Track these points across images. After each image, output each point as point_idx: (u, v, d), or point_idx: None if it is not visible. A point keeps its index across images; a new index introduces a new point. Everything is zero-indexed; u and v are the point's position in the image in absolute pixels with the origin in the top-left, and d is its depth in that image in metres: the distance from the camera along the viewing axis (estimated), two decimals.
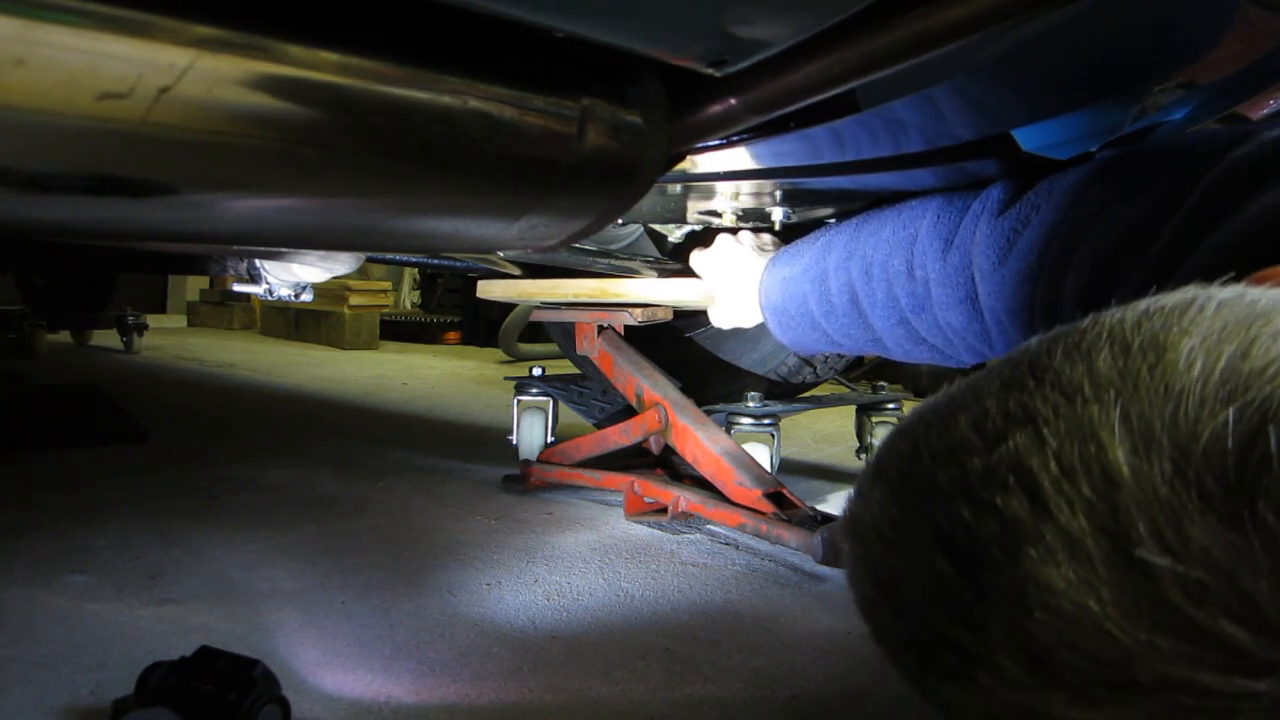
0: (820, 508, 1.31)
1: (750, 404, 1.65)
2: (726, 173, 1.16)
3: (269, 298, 1.75)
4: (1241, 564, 0.35)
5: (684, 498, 1.41)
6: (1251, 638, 0.34)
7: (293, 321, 4.94)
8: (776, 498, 1.32)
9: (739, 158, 1.07)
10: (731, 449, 1.42)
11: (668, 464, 1.60)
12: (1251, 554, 0.34)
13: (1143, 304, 0.44)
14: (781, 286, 1.22)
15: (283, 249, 1.52)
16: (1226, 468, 0.36)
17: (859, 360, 3.31)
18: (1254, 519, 0.35)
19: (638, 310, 1.57)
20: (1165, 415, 0.38)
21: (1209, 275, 0.46)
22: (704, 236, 1.69)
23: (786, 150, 1.04)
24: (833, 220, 1.67)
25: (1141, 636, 0.36)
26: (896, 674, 0.49)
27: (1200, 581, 0.35)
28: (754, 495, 1.33)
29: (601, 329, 1.61)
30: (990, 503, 0.40)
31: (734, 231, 1.38)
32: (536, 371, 1.81)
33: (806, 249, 1.21)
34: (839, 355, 1.84)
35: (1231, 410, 0.37)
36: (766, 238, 1.36)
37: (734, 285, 1.32)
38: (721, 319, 1.37)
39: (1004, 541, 0.39)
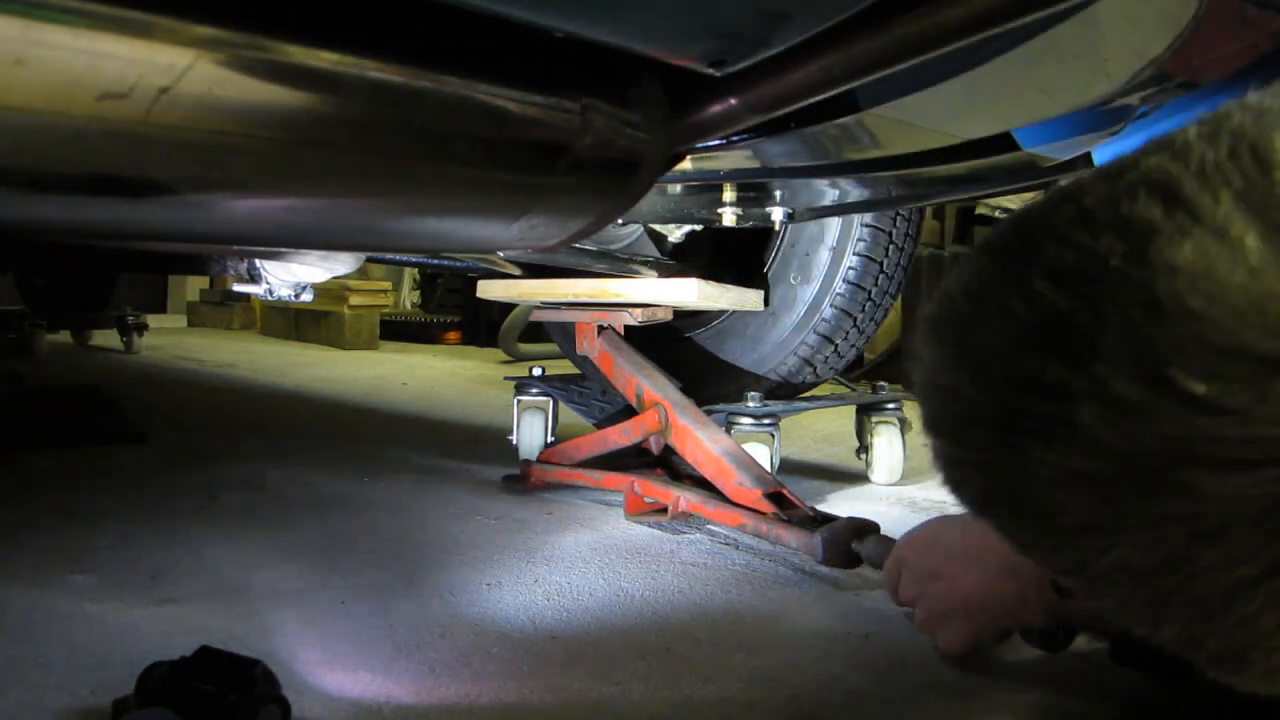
0: (820, 508, 1.31)
1: (750, 404, 1.65)
2: (726, 172, 1.16)
3: (269, 298, 1.75)
4: None
5: (684, 498, 1.41)
6: None
7: (293, 321, 4.94)
8: (777, 498, 1.32)
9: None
10: (732, 449, 1.42)
11: (668, 464, 1.60)
12: None
13: None
14: None
15: (283, 249, 1.52)
16: None
17: (859, 360, 3.31)
18: None
19: (637, 310, 1.57)
20: None
21: None
22: (710, 241, 1.69)
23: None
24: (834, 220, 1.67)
25: None
26: (968, 480, 0.45)
27: None
28: (754, 495, 1.33)
29: (601, 329, 1.61)
30: (1113, 218, 0.38)
31: (738, 237, 1.36)
32: (536, 371, 1.81)
33: None
34: (839, 355, 1.84)
35: None
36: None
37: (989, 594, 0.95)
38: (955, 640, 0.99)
39: (1128, 246, 0.37)
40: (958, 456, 0.45)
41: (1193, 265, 0.36)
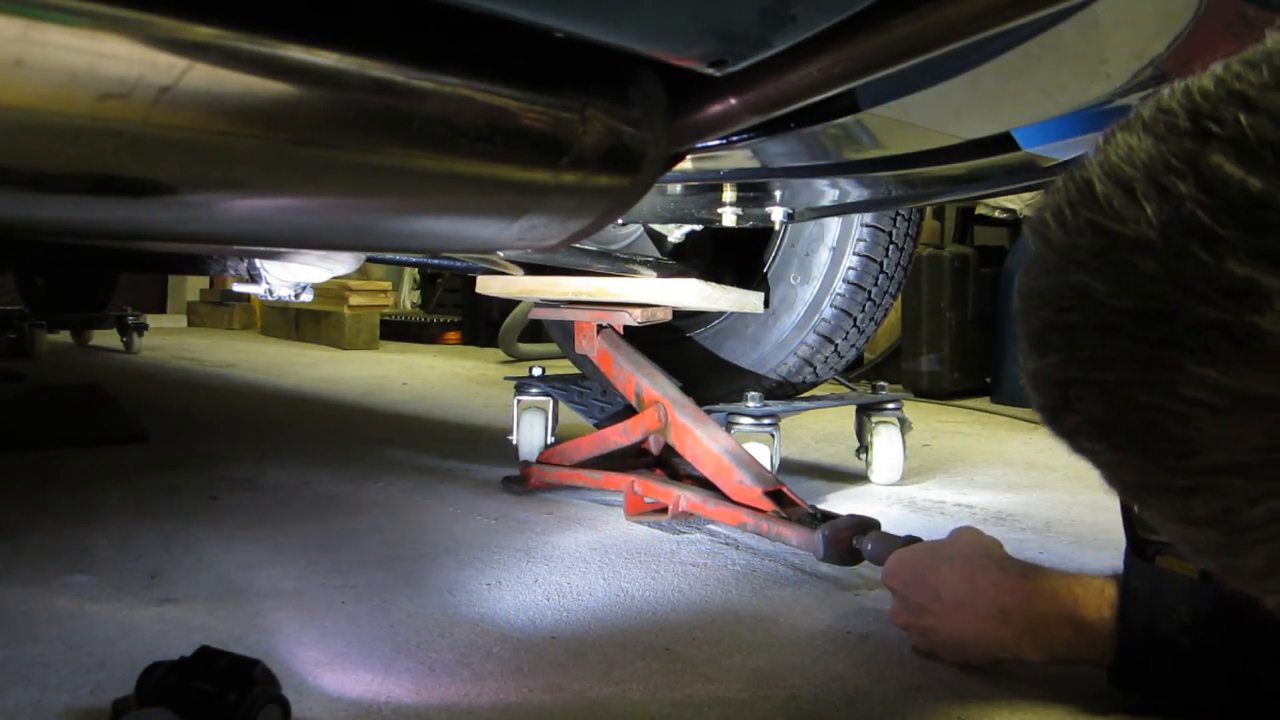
0: (820, 507, 1.31)
1: (750, 404, 1.65)
2: (726, 172, 1.16)
3: (269, 298, 1.75)
4: None
5: (684, 497, 1.41)
6: None
7: (293, 321, 4.94)
8: (777, 496, 1.32)
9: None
10: (732, 447, 1.42)
11: (667, 465, 1.60)
12: None
13: None
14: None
15: (283, 249, 1.52)
16: None
17: (859, 360, 3.31)
18: None
19: (637, 310, 1.57)
20: None
21: None
22: (711, 242, 1.69)
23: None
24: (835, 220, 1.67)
25: None
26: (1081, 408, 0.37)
27: None
28: (755, 493, 1.33)
29: (600, 328, 1.61)
30: None
31: (741, 238, 1.37)
32: (536, 371, 1.81)
33: None
34: (839, 355, 1.84)
35: None
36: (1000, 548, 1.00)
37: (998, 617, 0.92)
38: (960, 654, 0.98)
39: None
40: (1072, 376, 0.37)
41: None
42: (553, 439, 1.74)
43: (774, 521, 1.27)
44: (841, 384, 2.08)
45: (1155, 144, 0.35)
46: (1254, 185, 0.32)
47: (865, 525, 1.20)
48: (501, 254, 1.52)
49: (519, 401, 1.77)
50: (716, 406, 1.66)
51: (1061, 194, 0.38)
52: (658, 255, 1.89)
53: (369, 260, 1.87)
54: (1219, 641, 0.78)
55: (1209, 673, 0.79)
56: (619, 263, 1.58)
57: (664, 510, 1.45)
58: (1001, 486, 1.84)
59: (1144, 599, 0.83)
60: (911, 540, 1.11)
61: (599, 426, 1.65)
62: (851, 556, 1.18)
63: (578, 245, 1.45)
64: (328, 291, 4.43)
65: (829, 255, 1.75)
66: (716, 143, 0.95)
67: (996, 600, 0.90)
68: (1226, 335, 0.32)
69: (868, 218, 1.74)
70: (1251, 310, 0.31)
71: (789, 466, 1.91)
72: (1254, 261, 0.31)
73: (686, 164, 1.10)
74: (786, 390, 1.87)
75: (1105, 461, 0.38)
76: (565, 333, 1.89)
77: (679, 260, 1.83)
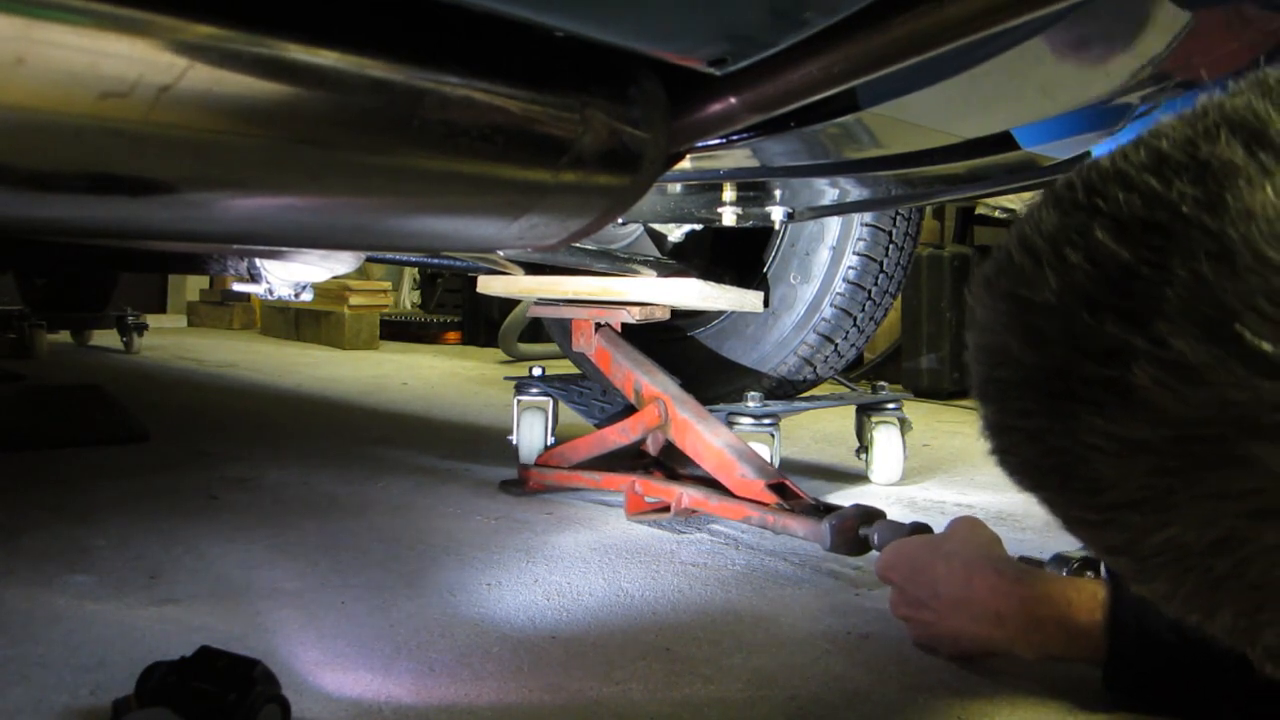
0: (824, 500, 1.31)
1: (750, 404, 1.65)
2: (726, 171, 1.16)
3: (269, 297, 1.75)
4: None
5: (687, 494, 1.41)
6: None
7: (293, 321, 4.94)
8: (780, 489, 1.32)
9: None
10: (733, 442, 1.42)
11: (665, 466, 1.60)
12: None
13: None
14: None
15: (283, 248, 1.52)
16: None
17: (859, 360, 3.31)
18: None
19: (635, 308, 1.57)
20: None
21: None
22: (711, 241, 1.69)
23: None
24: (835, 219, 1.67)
25: None
26: (1011, 454, 0.42)
27: None
28: (758, 487, 1.33)
29: (599, 326, 1.61)
30: (1188, 161, 0.36)
31: (748, 239, 1.37)
32: (536, 371, 1.81)
33: None
34: (839, 354, 1.84)
35: None
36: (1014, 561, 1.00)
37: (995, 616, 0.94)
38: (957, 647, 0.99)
39: (1204, 191, 0.35)
40: (1006, 423, 0.42)
41: (1272, 210, 0.33)
42: (553, 439, 1.74)
43: (779, 514, 1.27)
44: (841, 384, 2.08)
45: (1060, 217, 0.40)
46: (1124, 256, 0.36)
47: (871, 515, 1.20)
48: (501, 253, 1.51)
49: (519, 401, 1.77)
50: (716, 406, 1.66)
51: (992, 262, 0.43)
52: (658, 255, 1.89)
53: (369, 260, 1.87)
54: (1206, 639, 0.79)
55: (1198, 671, 0.80)
56: (619, 262, 1.58)
57: (666, 509, 1.45)
58: (1002, 486, 1.83)
59: (1133, 600, 0.83)
60: (919, 528, 1.11)
61: (599, 426, 1.65)
62: (859, 546, 1.18)
63: (578, 245, 1.45)
64: (328, 291, 4.43)
65: (829, 254, 1.75)
66: (716, 142, 0.95)
67: (992, 604, 0.91)
68: (1108, 389, 0.36)
69: (867, 217, 1.74)
70: (1125, 367, 0.36)
71: (789, 466, 1.91)
72: (1126, 324, 0.36)
73: (686, 163, 1.10)
74: (786, 390, 1.87)
75: (1041, 499, 0.43)
76: (564, 331, 1.89)
77: (679, 260, 1.83)
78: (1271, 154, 0.34)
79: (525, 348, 3.89)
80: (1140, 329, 0.35)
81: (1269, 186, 0.33)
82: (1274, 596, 0.36)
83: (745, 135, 0.88)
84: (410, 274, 6.13)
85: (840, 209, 1.51)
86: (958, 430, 2.51)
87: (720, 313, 1.84)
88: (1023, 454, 0.42)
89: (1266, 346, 0.32)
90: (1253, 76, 0.38)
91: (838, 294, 1.76)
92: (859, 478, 1.85)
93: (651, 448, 1.61)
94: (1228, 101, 0.37)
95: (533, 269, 1.64)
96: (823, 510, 1.24)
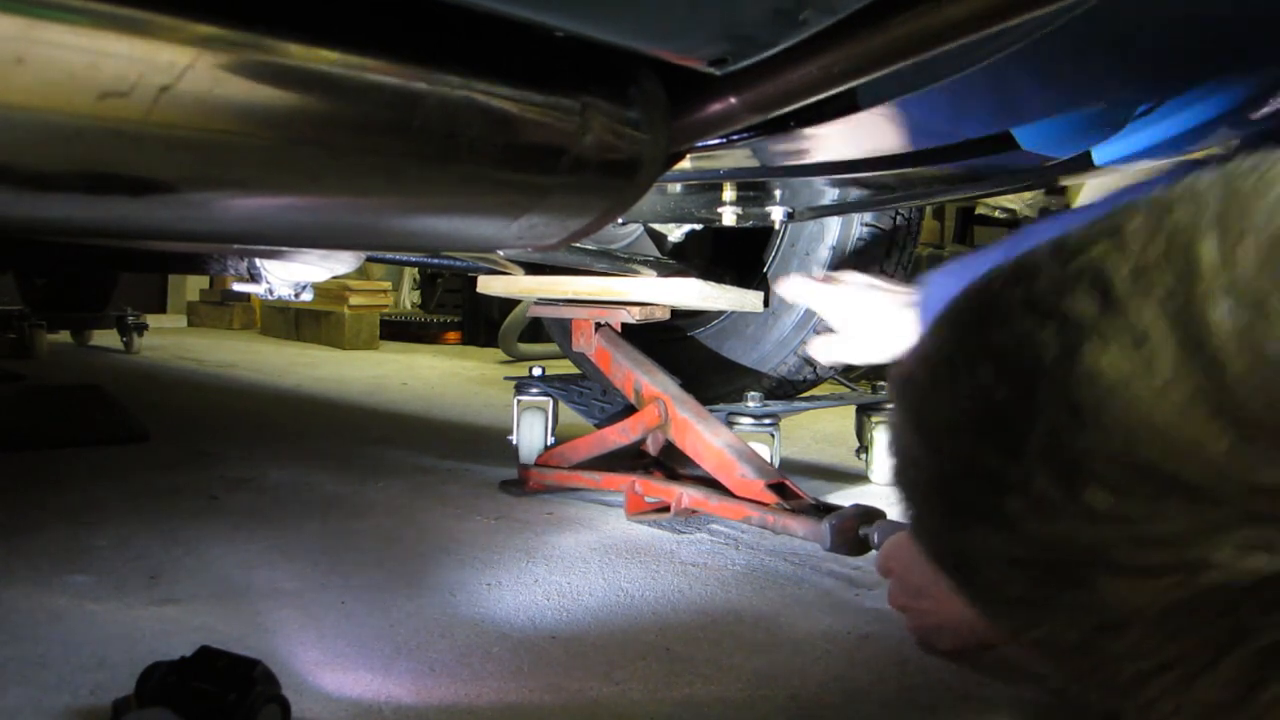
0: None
1: (750, 404, 1.65)
2: (726, 171, 1.16)
3: (269, 297, 1.75)
4: None
5: (687, 494, 1.41)
6: None
7: (293, 321, 4.93)
8: (780, 489, 1.33)
9: (861, 125, 1.00)
10: (733, 442, 1.42)
11: (665, 466, 1.60)
12: None
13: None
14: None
15: (283, 248, 1.52)
16: None
17: None
18: None
19: (635, 308, 1.57)
20: (1263, 209, 0.36)
21: None
22: (712, 242, 1.70)
23: (922, 115, 0.97)
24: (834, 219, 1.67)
25: (1197, 429, 0.34)
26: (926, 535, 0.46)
27: (1272, 369, 0.33)
28: (758, 486, 1.33)
29: (599, 325, 1.61)
30: (1054, 308, 0.39)
31: (743, 238, 1.37)
32: (536, 371, 1.81)
33: (969, 267, 1.14)
34: None
35: None
36: (879, 280, 1.22)
37: (877, 317, 1.16)
38: (854, 353, 1.19)
39: (1062, 342, 0.38)
40: (914, 515, 0.47)
41: (1112, 374, 0.36)
42: (553, 439, 1.74)
43: (779, 514, 1.27)
44: (841, 384, 2.08)
45: (955, 345, 0.44)
46: (1001, 394, 0.41)
47: (871, 515, 1.20)
48: (501, 253, 1.51)
49: (519, 401, 1.77)
50: (716, 406, 1.66)
51: (902, 368, 0.48)
52: (658, 255, 1.89)
53: (369, 260, 1.87)
54: None
55: None
56: (619, 262, 1.58)
57: (666, 509, 1.45)
58: None
59: None
60: None
61: (599, 426, 1.65)
62: (859, 546, 1.18)
63: (578, 245, 1.45)
64: (328, 291, 4.43)
65: (829, 254, 1.75)
66: (716, 142, 0.94)
67: None
68: (991, 509, 0.40)
69: (868, 217, 1.75)
70: (1003, 493, 0.40)
71: (789, 466, 1.91)
72: (1002, 456, 0.40)
73: (686, 163, 1.10)
74: (787, 390, 1.87)
75: (948, 582, 0.47)
76: (564, 331, 1.89)
77: (679, 260, 1.83)
78: (1116, 314, 0.37)
79: (525, 348, 3.89)
80: (1013, 462, 0.39)
81: (1111, 349, 0.36)
82: (1122, 693, 0.39)
83: (745, 135, 0.88)
84: (410, 274, 6.13)
85: (840, 209, 1.51)
86: None
87: (720, 313, 1.84)
88: (928, 545, 0.46)
89: (1103, 500, 0.36)
90: (1114, 217, 0.40)
91: None
92: (859, 478, 1.85)
93: (651, 448, 1.61)
94: (1091, 245, 0.40)
95: (533, 269, 1.64)
96: (823, 510, 1.25)
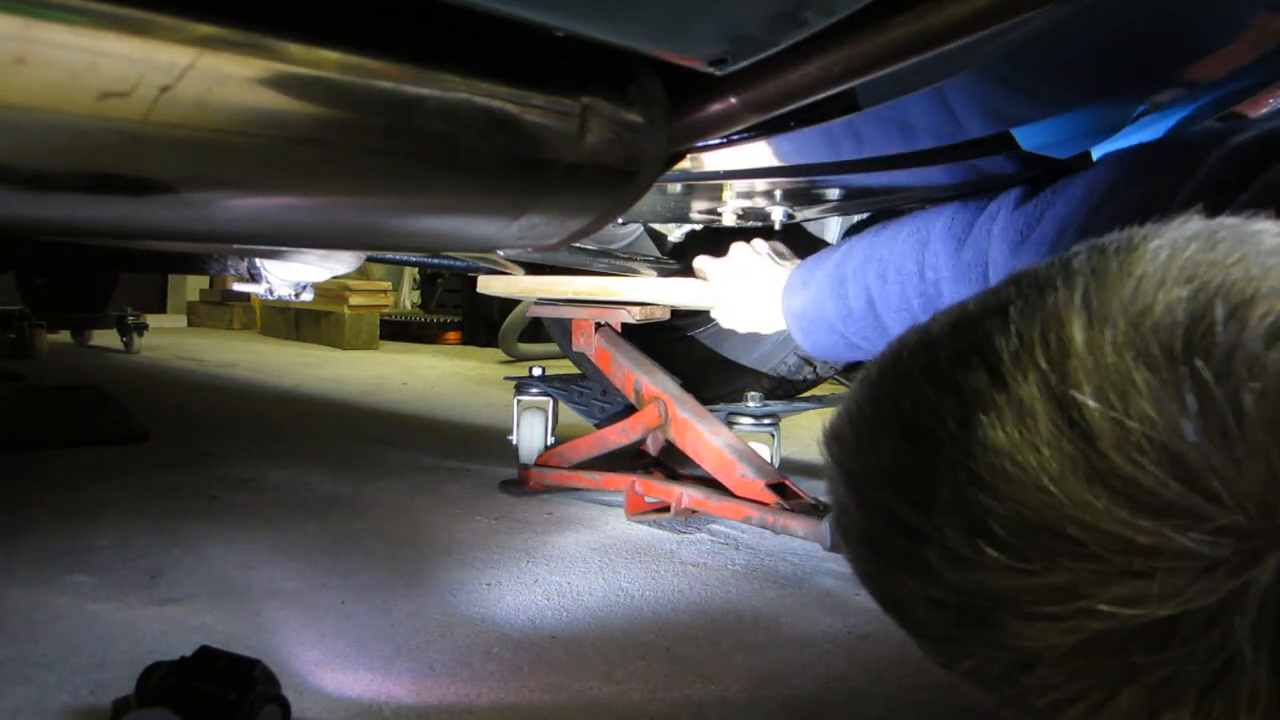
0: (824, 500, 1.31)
1: (750, 404, 1.65)
2: (726, 172, 1.16)
3: (269, 297, 1.75)
4: (1174, 419, 0.37)
5: (687, 494, 1.41)
6: (1178, 489, 0.37)
7: (293, 321, 4.93)
8: (780, 489, 1.33)
9: (759, 153, 1.07)
10: (733, 441, 1.43)
11: (665, 466, 1.60)
12: (1185, 410, 0.37)
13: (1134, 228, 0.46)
14: (803, 292, 1.23)
15: (283, 248, 1.52)
16: (1174, 337, 0.38)
17: (859, 361, 3.31)
18: (1193, 377, 0.37)
19: (635, 308, 1.57)
20: (1124, 295, 0.40)
21: None
22: (712, 241, 1.70)
23: (806, 147, 1.04)
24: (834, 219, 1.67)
25: (1076, 492, 0.38)
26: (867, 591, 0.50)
27: (1135, 437, 0.37)
28: (758, 486, 1.33)
29: (599, 325, 1.61)
30: (952, 380, 0.43)
31: (747, 238, 1.39)
32: (536, 371, 1.81)
33: (827, 257, 1.23)
34: (855, 360, 1.84)
35: (1186, 289, 0.39)
36: (781, 245, 1.35)
37: (752, 293, 1.32)
38: (737, 324, 1.36)
39: (959, 412, 0.42)
40: (850, 559, 0.51)
41: (1001, 443, 0.40)
42: (553, 439, 1.74)
43: (779, 514, 1.27)
44: (841, 384, 2.08)
45: (872, 405, 0.48)
46: (912, 455, 0.45)
47: None
48: (501, 253, 1.51)
49: (519, 401, 1.77)
50: (716, 406, 1.66)
51: (832, 423, 0.52)
52: (658, 255, 1.89)
53: (369, 260, 1.87)
54: None
55: None
56: (619, 262, 1.58)
57: (666, 509, 1.45)
58: None
59: None
60: None
61: (599, 426, 1.65)
62: None
63: (578, 245, 1.45)
64: (328, 291, 4.43)
65: None
66: (716, 142, 0.95)
67: None
68: (912, 558, 0.44)
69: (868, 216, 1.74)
70: (921, 544, 0.43)
71: (790, 466, 1.91)
72: (918, 511, 0.43)
73: (686, 163, 1.10)
74: (787, 389, 1.87)
75: (891, 618, 0.51)
76: (564, 331, 1.89)
77: (679, 260, 1.83)
78: (1002, 388, 0.41)
79: (525, 348, 3.88)
80: (928, 517, 0.43)
81: (1002, 419, 0.40)
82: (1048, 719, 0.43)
83: (745, 135, 0.88)
84: (410, 274, 6.12)
85: (840, 209, 1.51)
86: None
87: None
88: (866, 586, 0.50)
89: (1002, 556, 0.40)
90: (999, 294, 0.45)
91: None
92: None
93: (651, 448, 1.61)
94: (982, 321, 0.44)
95: (533, 269, 1.64)
96: (823, 510, 1.25)
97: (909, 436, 0.45)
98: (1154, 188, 0.82)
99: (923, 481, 0.43)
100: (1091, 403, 0.38)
